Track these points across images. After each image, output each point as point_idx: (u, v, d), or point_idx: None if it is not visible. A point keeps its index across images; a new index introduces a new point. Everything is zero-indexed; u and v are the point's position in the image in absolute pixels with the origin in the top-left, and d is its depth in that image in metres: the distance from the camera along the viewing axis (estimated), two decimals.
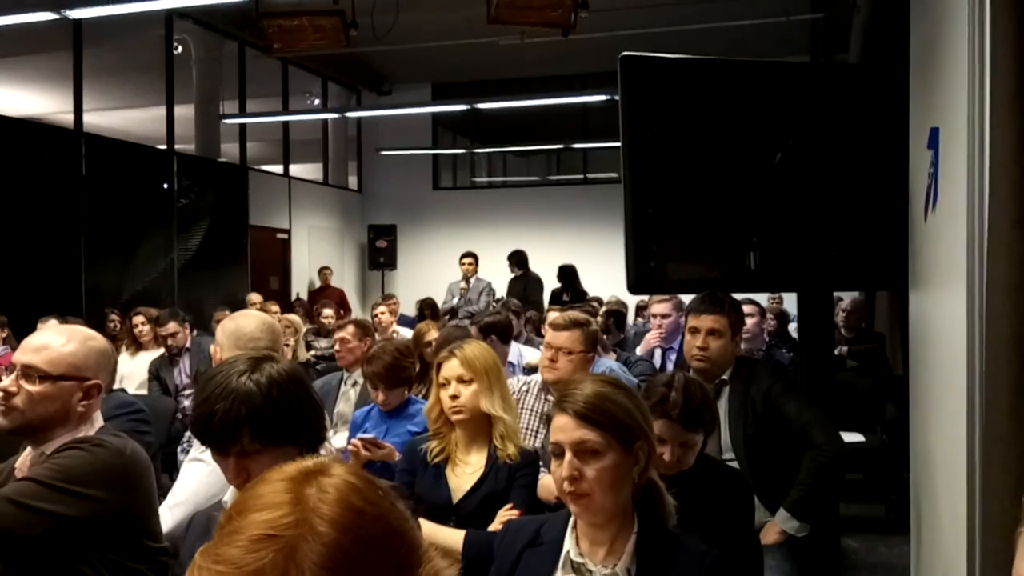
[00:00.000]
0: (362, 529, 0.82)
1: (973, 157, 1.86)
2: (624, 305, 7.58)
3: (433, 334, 4.65)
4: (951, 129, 2.11)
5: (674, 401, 2.28)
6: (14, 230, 7.99)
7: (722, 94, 3.31)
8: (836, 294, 6.68)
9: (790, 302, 7.33)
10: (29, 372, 1.96)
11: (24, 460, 2.04)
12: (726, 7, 8.90)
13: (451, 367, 2.63)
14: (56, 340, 2.01)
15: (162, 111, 10.39)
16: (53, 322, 4.70)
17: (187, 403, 5.52)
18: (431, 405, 2.69)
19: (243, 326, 2.53)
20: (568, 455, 1.67)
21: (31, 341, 2.02)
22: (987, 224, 1.80)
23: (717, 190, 3.26)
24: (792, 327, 6.10)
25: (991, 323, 1.80)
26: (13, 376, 1.97)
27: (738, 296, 3.35)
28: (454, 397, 2.59)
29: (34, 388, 1.95)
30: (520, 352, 5.05)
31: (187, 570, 0.82)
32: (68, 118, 9.32)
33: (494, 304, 8.33)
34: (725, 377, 3.10)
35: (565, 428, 1.69)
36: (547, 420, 1.78)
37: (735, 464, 2.94)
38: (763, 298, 6.59)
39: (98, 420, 2.07)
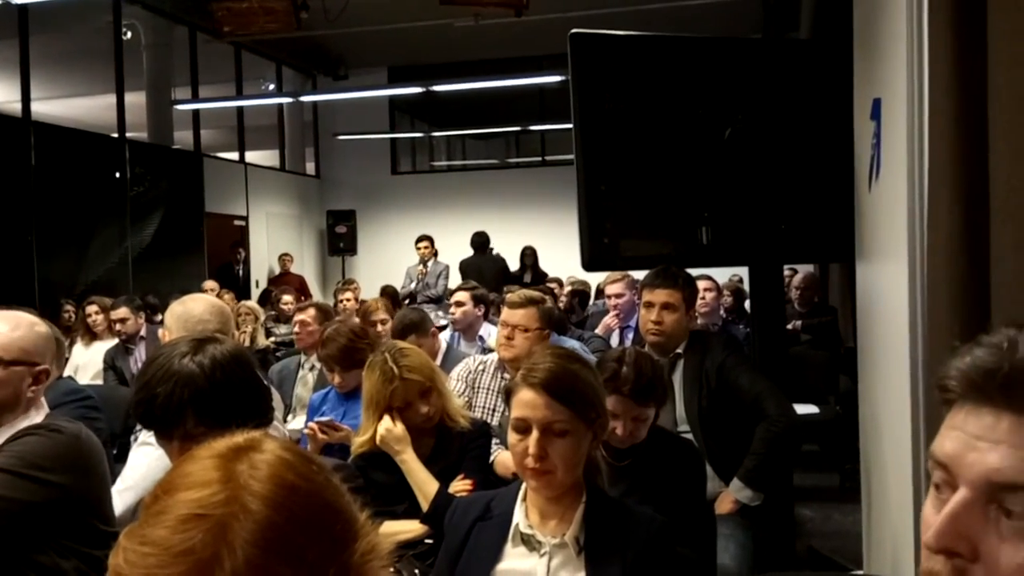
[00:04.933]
0: (295, 505, 0.79)
1: (913, 126, 1.88)
2: (587, 285, 7.57)
3: (381, 313, 4.66)
4: (892, 99, 2.14)
5: (625, 376, 2.28)
6: None
7: (672, 71, 3.31)
8: (787, 270, 6.76)
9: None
10: None
11: None
12: None
13: (410, 389, 2.52)
14: (2, 327, 1.99)
15: (112, 98, 10.18)
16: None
17: None
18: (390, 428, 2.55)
19: (191, 309, 2.50)
20: (535, 433, 1.64)
21: None
22: (927, 192, 1.82)
23: (669, 166, 3.28)
24: (748, 304, 6.15)
25: (932, 290, 1.82)
26: None
27: (694, 272, 3.38)
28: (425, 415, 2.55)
29: None
30: (490, 331, 5.07)
31: (111, 553, 0.78)
32: (16, 107, 9.11)
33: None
34: (680, 350, 3.13)
35: (534, 405, 1.66)
36: (507, 393, 1.76)
37: (690, 436, 2.97)
38: (723, 278, 6.63)
39: (44, 407, 2.05)
